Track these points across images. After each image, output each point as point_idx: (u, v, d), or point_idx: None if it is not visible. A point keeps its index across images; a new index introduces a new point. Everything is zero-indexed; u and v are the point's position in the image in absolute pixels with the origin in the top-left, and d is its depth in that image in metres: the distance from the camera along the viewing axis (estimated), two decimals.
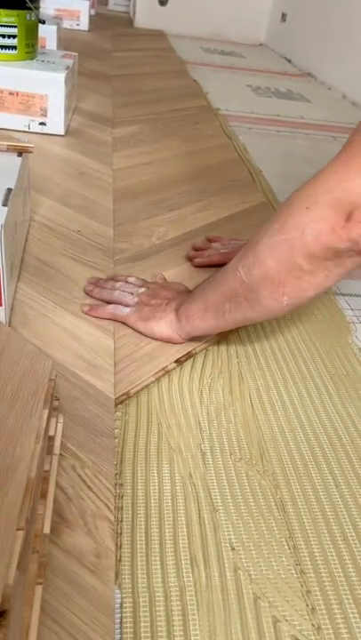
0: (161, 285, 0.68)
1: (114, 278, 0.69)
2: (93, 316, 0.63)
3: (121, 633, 0.36)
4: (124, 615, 0.37)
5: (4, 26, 1.09)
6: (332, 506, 0.47)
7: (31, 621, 0.33)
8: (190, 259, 0.79)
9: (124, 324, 0.63)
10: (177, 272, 0.76)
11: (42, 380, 0.45)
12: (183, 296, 0.63)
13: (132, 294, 0.65)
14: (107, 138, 1.22)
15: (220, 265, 0.66)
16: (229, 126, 1.49)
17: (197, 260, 0.79)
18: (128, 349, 0.61)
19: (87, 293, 0.67)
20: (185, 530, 0.43)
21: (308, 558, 0.42)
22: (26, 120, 1.14)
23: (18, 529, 0.32)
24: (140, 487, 0.46)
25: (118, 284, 0.67)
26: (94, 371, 0.56)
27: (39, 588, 0.35)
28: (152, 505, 0.45)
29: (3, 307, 0.57)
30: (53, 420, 0.45)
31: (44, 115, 1.14)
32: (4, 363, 0.44)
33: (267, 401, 0.58)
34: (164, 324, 0.61)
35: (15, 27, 1.10)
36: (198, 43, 2.89)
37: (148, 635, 0.36)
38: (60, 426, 0.46)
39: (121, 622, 0.36)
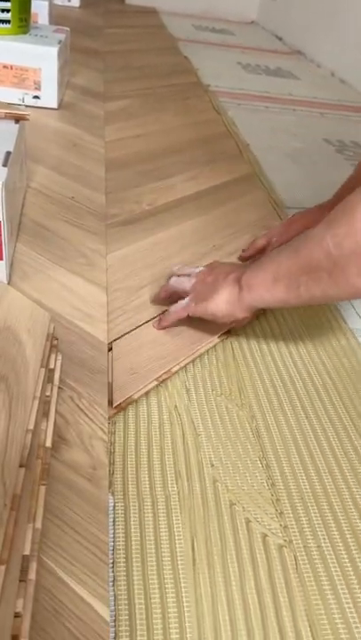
0: (220, 262, 0.63)
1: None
2: (164, 328, 0.60)
3: (114, 530, 0.42)
4: (116, 516, 0.43)
5: None
6: (301, 432, 0.53)
7: (37, 512, 0.38)
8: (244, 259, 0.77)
9: (192, 319, 0.59)
10: (165, 236, 0.81)
11: (43, 322, 0.50)
12: (242, 268, 0.57)
13: (188, 276, 0.61)
14: (99, 111, 1.26)
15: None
16: (219, 102, 1.53)
17: (245, 254, 0.76)
18: (120, 302, 0.66)
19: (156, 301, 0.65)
20: (170, 449, 0.48)
21: (278, 474, 0.48)
22: (20, 93, 1.18)
23: (27, 430, 0.37)
24: (130, 415, 0.51)
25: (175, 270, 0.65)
26: (89, 319, 0.61)
27: (43, 488, 0.40)
28: (141, 429, 0.50)
29: (3, 260, 0.62)
30: (53, 356, 0.50)
31: (38, 88, 1.17)
32: (7, 314, 0.49)
33: (247, 349, 0.63)
34: (222, 300, 0.55)
35: (8, 1, 1.13)
36: (190, 20, 2.90)
37: (138, 532, 0.42)
38: (58, 362, 0.52)
39: (114, 521, 0.42)
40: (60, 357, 0.53)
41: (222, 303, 0.55)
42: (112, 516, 0.43)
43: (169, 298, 0.63)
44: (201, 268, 0.61)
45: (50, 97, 1.18)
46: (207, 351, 0.62)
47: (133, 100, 1.41)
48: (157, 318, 0.62)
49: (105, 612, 0.36)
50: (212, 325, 0.61)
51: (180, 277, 0.62)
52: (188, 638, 0.36)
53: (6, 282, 0.63)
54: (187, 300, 0.59)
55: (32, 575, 0.35)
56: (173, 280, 0.62)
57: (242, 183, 1.03)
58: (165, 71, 1.77)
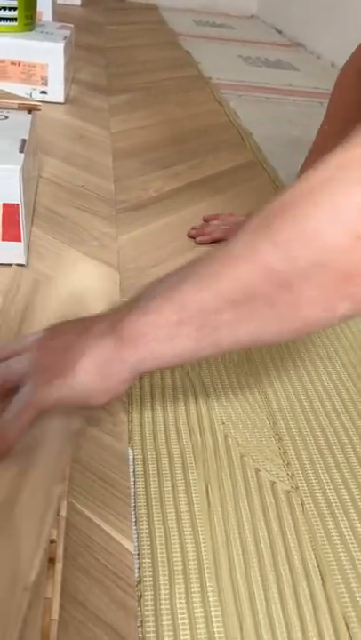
0: (59, 324, 0.42)
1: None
2: (5, 455, 0.37)
3: (134, 478, 0.45)
4: (135, 467, 0.46)
5: None
6: (306, 394, 0.56)
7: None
8: (192, 237, 0.79)
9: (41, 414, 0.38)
10: (172, 219, 0.85)
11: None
12: (113, 313, 0.39)
13: (19, 352, 0.39)
14: (104, 105, 1.29)
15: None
16: (220, 94, 1.56)
17: (200, 239, 0.78)
18: (132, 280, 0.69)
19: None
20: (183, 408, 0.52)
21: (285, 430, 0.52)
22: (28, 89, 1.21)
23: None
24: (145, 381, 0.55)
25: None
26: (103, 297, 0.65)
27: None
28: (156, 393, 0.54)
29: (22, 242, 0.65)
30: None
31: (45, 83, 1.21)
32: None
33: None
34: (90, 365, 0.36)
35: None
36: (190, 15, 2.93)
37: (156, 480, 0.45)
38: None
39: (134, 471, 0.46)
40: None
41: (89, 374, 0.36)
42: (132, 466, 0.46)
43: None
44: (38, 336, 0.40)
45: (57, 91, 1.22)
46: None
47: (137, 93, 1.44)
48: None
49: (130, 546, 0.39)
50: None
51: (9, 361, 0.39)
52: (205, 566, 0.40)
53: (25, 263, 0.67)
54: (27, 389, 0.36)
55: (63, 512, 0.39)
56: (1, 369, 0.39)
57: (245, 170, 1.07)
58: (167, 65, 1.80)
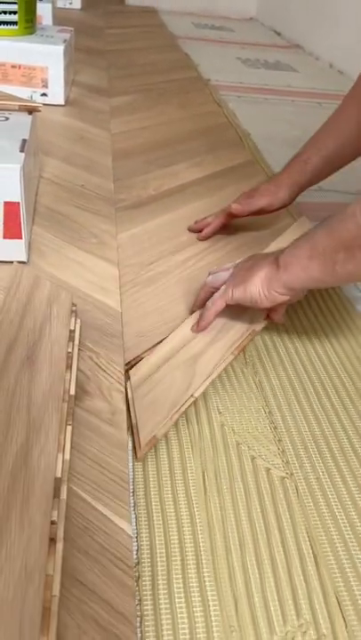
0: (260, 253, 0.61)
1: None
2: (204, 329, 0.58)
3: (133, 465, 0.46)
4: (133, 454, 0.47)
5: (5, 2, 1.17)
6: (301, 385, 0.58)
7: (65, 445, 0.43)
8: (193, 231, 0.82)
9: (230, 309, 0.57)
10: (171, 217, 0.86)
11: (65, 298, 0.56)
12: (284, 249, 0.55)
13: (228, 269, 0.59)
14: (104, 107, 1.31)
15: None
16: (219, 95, 1.57)
17: (203, 233, 0.80)
18: (131, 276, 0.71)
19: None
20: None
21: (280, 419, 0.53)
22: (28, 91, 1.23)
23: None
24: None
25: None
26: (103, 291, 0.66)
27: (69, 427, 0.45)
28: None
29: (22, 239, 0.67)
30: (72, 319, 0.56)
31: (45, 86, 1.23)
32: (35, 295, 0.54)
33: None
34: (260, 279, 0.53)
35: (15, 3, 1.18)
36: (189, 18, 2.94)
37: (154, 466, 0.47)
38: (78, 325, 0.57)
39: (132, 458, 0.47)
40: (78, 321, 0.58)
41: (259, 283, 0.53)
42: (131, 453, 0.47)
43: (209, 298, 0.60)
44: (239, 261, 0.59)
45: (57, 94, 1.23)
46: None
47: (137, 95, 1.46)
48: (195, 322, 0.59)
49: (128, 528, 0.41)
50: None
51: (218, 272, 0.60)
52: (201, 550, 0.41)
53: (26, 260, 0.68)
54: (223, 287, 0.56)
55: (63, 495, 0.40)
56: (210, 278, 0.60)
57: (243, 169, 1.08)
58: (167, 67, 1.82)
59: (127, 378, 0.55)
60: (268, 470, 0.48)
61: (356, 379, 0.59)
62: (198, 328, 0.58)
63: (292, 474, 0.48)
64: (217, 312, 0.57)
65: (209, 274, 0.62)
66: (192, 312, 0.63)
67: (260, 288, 0.53)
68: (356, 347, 0.64)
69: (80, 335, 0.57)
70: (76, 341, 0.55)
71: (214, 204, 0.91)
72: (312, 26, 2.44)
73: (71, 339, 0.53)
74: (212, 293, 0.59)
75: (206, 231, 0.80)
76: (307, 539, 0.43)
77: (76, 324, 0.56)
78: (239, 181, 1.02)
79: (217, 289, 0.58)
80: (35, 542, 0.34)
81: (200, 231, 0.81)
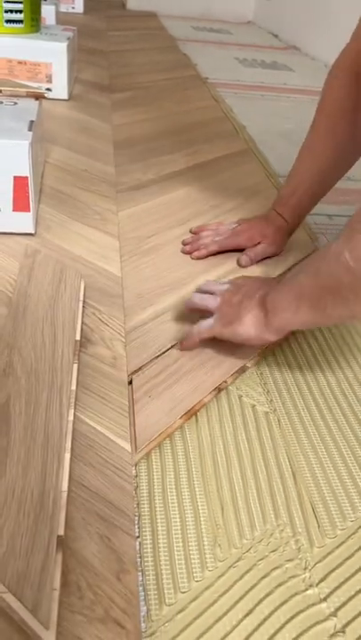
0: (246, 278, 0.61)
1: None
2: (187, 349, 0.58)
3: (132, 400, 0.52)
4: (134, 392, 0.53)
5: (12, 2, 1.24)
6: (287, 342, 0.63)
7: (72, 379, 0.49)
8: (187, 252, 0.76)
9: (218, 339, 0.56)
10: (168, 198, 0.92)
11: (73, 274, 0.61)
12: (268, 287, 0.55)
13: (214, 294, 0.58)
14: (106, 102, 1.37)
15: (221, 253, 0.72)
16: (217, 91, 1.63)
17: (196, 254, 0.75)
18: (130, 247, 0.76)
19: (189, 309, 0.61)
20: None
21: (265, 366, 0.58)
22: (33, 86, 1.29)
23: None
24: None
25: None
26: (105, 259, 0.72)
27: (75, 365, 0.51)
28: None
29: (30, 212, 0.72)
30: (77, 280, 0.61)
31: (50, 81, 1.29)
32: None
33: None
34: (249, 324, 0.53)
35: (21, 2, 1.24)
36: (188, 22, 3.02)
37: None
38: (82, 285, 0.62)
39: (130, 393, 0.52)
40: (83, 283, 0.63)
41: (249, 326, 0.53)
42: (129, 389, 0.53)
43: (192, 312, 0.61)
44: (227, 287, 0.58)
45: (61, 89, 1.29)
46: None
47: (137, 91, 1.52)
48: (180, 341, 0.59)
49: (127, 446, 0.46)
50: None
51: (205, 295, 0.59)
52: (192, 464, 0.46)
53: (33, 232, 0.74)
54: (211, 320, 0.56)
55: (70, 417, 0.45)
56: (198, 298, 0.59)
57: (238, 157, 1.14)
58: (166, 67, 1.88)
59: (127, 331, 0.60)
60: (253, 406, 0.53)
61: (335, 330, 0.65)
62: (182, 347, 0.58)
63: (275, 410, 0.53)
64: (202, 340, 0.57)
65: (197, 290, 0.61)
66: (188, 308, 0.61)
67: (250, 331, 0.53)
68: None
69: (84, 295, 0.63)
70: (81, 297, 0.60)
71: (209, 188, 0.97)
72: (308, 28, 2.51)
73: (77, 298, 0.59)
74: (196, 311, 0.59)
75: (200, 253, 0.75)
76: (287, 459, 0.48)
77: (80, 285, 0.62)
78: (233, 167, 1.07)
79: (200, 311, 0.58)
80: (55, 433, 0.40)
81: (194, 249, 0.76)
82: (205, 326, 0.56)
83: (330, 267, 0.45)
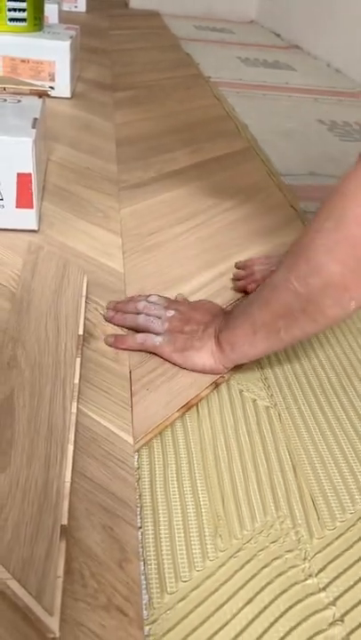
0: (191, 307, 0.60)
1: (133, 299, 0.62)
2: (121, 349, 0.56)
3: (132, 392, 0.52)
4: (134, 383, 0.53)
5: (16, 0, 1.24)
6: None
7: (75, 372, 0.49)
8: (241, 289, 0.70)
9: (155, 354, 0.56)
10: (170, 196, 0.92)
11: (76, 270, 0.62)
12: (220, 319, 0.56)
13: (159, 318, 0.57)
14: (108, 100, 1.38)
15: None
16: (219, 90, 1.64)
17: (251, 287, 0.68)
18: (132, 244, 0.77)
19: (108, 320, 0.60)
20: None
21: (265, 360, 0.59)
22: (37, 84, 1.29)
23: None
24: None
25: (140, 305, 0.59)
26: (107, 256, 0.72)
27: (78, 359, 0.51)
28: None
29: (33, 209, 0.73)
30: (80, 276, 0.62)
31: (52, 79, 1.29)
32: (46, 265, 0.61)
33: None
34: (206, 355, 0.54)
35: (25, 1, 1.25)
36: (191, 21, 3.02)
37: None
38: (85, 281, 0.63)
39: (131, 385, 0.53)
40: (85, 278, 0.64)
41: (205, 357, 0.54)
42: (130, 382, 0.53)
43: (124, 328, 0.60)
44: (173, 313, 0.58)
45: (63, 87, 1.30)
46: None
47: (139, 90, 1.52)
48: (113, 336, 0.57)
49: (129, 439, 0.47)
50: None
51: (151, 317, 0.58)
52: (193, 457, 0.47)
53: (36, 228, 0.75)
54: (159, 339, 0.56)
55: (73, 409, 0.46)
56: (142, 319, 0.58)
57: (239, 155, 1.14)
58: (168, 66, 1.89)
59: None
60: (254, 401, 0.54)
61: (335, 326, 0.65)
62: (115, 343, 0.56)
63: (275, 404, 0.54)
64: (142, 350, 0.57)
65: (147, 298, 0.60)
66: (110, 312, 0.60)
67: (208, 361, 0.54)
68: None
69: (87, 291, 0.63)
70: (84, 292, 0.61)
71: (211, 185, 0.97)
72: (310, 28, 2.51)
73: (80, 293, 0.60)
74: (137, 329, 0.58)
75: (253, 288, 0.67)
76: (287, 452, 0.48)
77: (83, 281, 0.63)
78: (235, 166, 1.08)
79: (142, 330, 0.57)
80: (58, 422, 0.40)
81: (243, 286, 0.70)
82: (153, 341, 0.56)
83: (279, 295, 0.47)
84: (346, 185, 0.42)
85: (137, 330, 0.58)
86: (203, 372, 0.55)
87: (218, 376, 0.55)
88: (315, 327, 0.48)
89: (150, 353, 0.57)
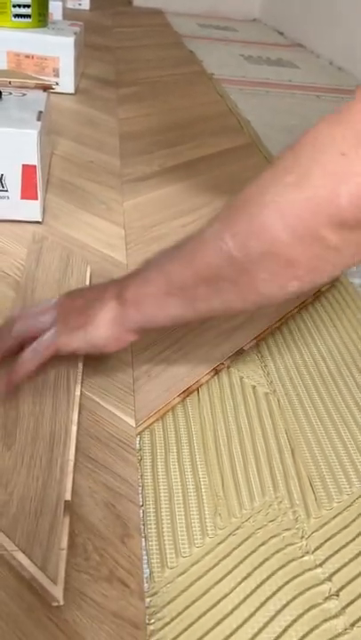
0: (79, 289, 0.51)
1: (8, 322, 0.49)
2: (17, 382, 0.45)
3: (134, 383, 0.53)
4: (136, 370, 0.54)
5: None
6: (287, 325, 0.65)
7: (78, 361, 0.50)
8: None
9: (59, 356, 0.46)
10: (172, 189, 0.93)
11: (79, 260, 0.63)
12: (120, 283, 0.45)
13: (42, 313, 0.47)
14: (112, 96, 1.39)
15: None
16: (222, 87, 1.65)
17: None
18: (135, 236, 0.78)
19: None
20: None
21: (265, 348, 0.60)
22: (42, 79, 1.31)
23: None
24: None
25: (15, 314, 0.50)
26: (110, 247, 0.73)
27: None
28: None
29: (38, 200, 0.74)
30: (83, 266, 0.63)
31: (57, 75, 1.31)
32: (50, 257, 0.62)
33: None
34: (103, 324, 0.43)
35: None
36: (195, 19, 3.03)
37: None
38: (88, 271, 0.64)
39: (133, 374, 0.54)
40: (89, 268, 0.65)
41: (104, 326, 0.43)
42: (132, 370, 0.54)
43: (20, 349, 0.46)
44: (56, 299, 0.48)
45: (68, 83, 1.31)
46: None
47: (143, 86, 1.53)
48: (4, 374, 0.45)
49: (131, 422, 0.48)
50: None
51: (29, 319, 0.47)
52: (194, 439, 0.48)
53: (40, 220, 0.76)
54: (50, 334, 0.45)
55: (77, 392, 0.47)
56: (20, 324, 0.46)
57: (242, 150, 1.15)
58: (172, 63, 1.90)
59: None
60: (253, 387, 0.55)
61: (334, 315, 0.66)
62: (10, 380, 0.45)
63: (275, 390, 0.55)
64: (41, 362, 0.45)
65: (15, 318, 0.48)
66: None
67: (106, 332, 0.44)
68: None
69: (90, 281, 0.65)
70: (88, 283, 0.62)
71: (213, 180, 0.98)
72: (313, 26, 2.52)
73: (84, 283, 0.61)
74: (22, 346, 0.46)
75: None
76: (285, 436, 0.50)
77: (87, 271, 0.64)
78: (237, 161, 1.09)
79: (32, 338, 0.45)
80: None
81: None
82: (47, 340, 0.44)
83: (207, 253, 0.38)
84: (317, 134, 0.33)
85: (23, 344, 0.46)
86: (105, 348, 0.45)
87: (218, 363, 0.56)
88: (239, 305, 0.39)
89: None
